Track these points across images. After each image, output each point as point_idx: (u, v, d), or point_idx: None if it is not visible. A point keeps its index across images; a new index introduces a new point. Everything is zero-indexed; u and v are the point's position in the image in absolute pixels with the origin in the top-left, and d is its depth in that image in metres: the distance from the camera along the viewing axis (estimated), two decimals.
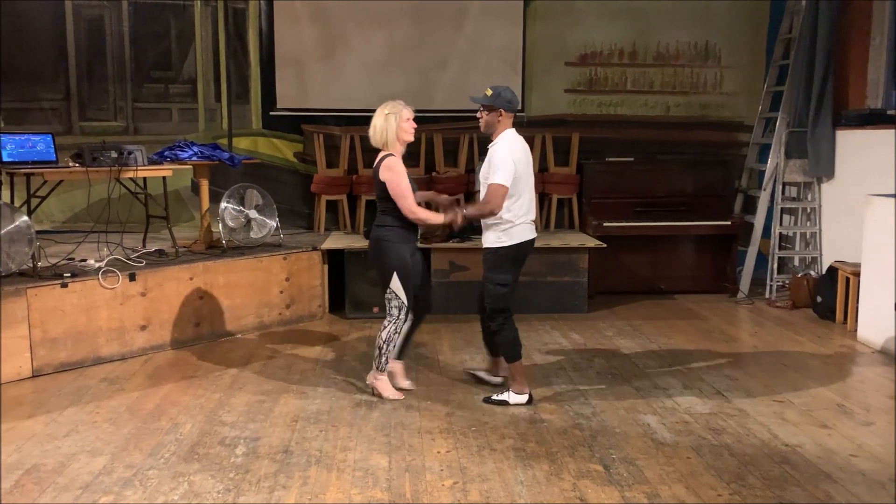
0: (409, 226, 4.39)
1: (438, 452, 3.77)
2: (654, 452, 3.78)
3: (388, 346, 4.43)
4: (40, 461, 3.68)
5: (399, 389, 4.56)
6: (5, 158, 5.36)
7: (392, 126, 4.29)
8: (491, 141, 4.34)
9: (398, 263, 4.34)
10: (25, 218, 5.14)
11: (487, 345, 4.72)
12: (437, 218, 4.39)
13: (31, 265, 5.15)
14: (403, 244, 4.37)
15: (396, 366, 4.62)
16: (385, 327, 4.42)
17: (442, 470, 3.58)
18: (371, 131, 4.36)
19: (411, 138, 4.39)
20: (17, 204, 5.43)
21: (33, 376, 4.90)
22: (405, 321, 4.46)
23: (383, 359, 4.45)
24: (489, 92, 4.30)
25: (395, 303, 4.39)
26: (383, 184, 4.29)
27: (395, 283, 4.36)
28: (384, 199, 4.35)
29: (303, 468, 3.60)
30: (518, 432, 4.02)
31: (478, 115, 4.38)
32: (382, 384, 4.51)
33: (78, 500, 3.30)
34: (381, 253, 4.39)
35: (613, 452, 3.78)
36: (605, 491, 3.38)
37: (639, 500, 3.30)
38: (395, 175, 4.27)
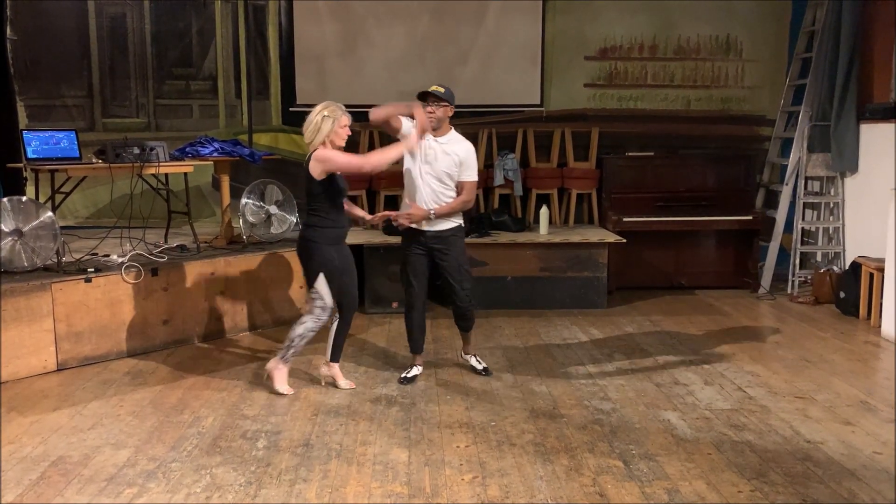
0: (337, 226, 4.40)
1: (458, 447, 3.78)
2: (675, 448, 3.76)
3: (301, 340, 4.48)
4: (66, 453, 3.73)
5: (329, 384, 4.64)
6: (30, 155, 5.44)
7: (326, 129, 4.27)
8: (434, 135, 4.51)
9: (324, 265, 4.37)
10: (50, 213, 5.21)
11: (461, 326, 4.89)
12: (397, 150, 4.38)
13: (55, 260, 5.22)
14: (329, 245, 4.38)
15: (335, 368, 4.63)
16: (303, 323, 4.46)
17: (461, 464, 3.59)
18: (305, 126, 4.35)
19: (343, 143, 4.36)
20: (41, 200, 5.50)
21: (58, 370, 4.97)
22: (326, 320, 4.48)
23: (290, 352, 4.50)
24: (441, 88, 4.47)
25: (318, 303, 4.42)
26: (311, 180, 4.29)
27: (321, 284, 4.39)
28: (311, 197, 4.35)
29: (323, 462, 3.62)
30: (537, 427, 4.02)
31: (430, 109, 4.45)
32: (279, 374, 4.54)
33: (103, 491, 3.35)
34: (306, 253, 4.42)
35: (633, 448, 3.77)
36: (626, 486, 3.37)
37: (659, 496, 3.29)
38: (329, 158, 4.24)
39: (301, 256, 4.48)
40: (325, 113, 4.30)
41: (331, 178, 4.31)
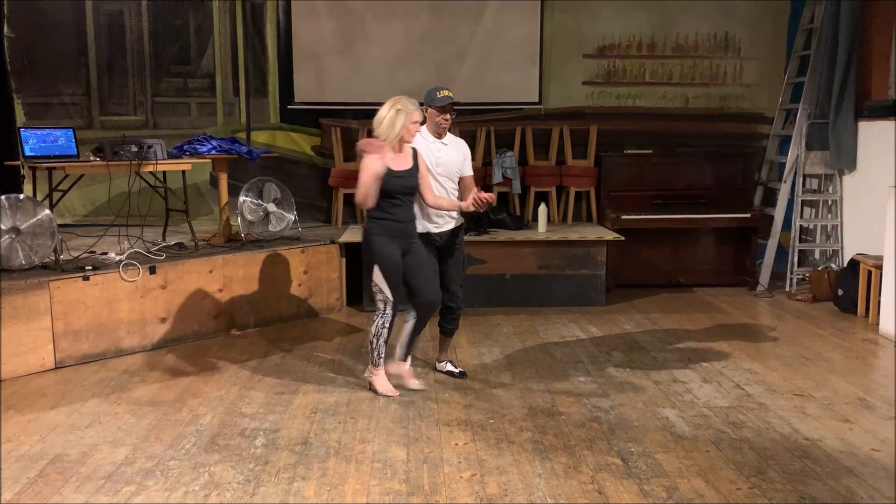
0: (396, 220, 4.29)
1: (456, 445, 3.78)
2: (673, 446, 3.77)
3: (377, 339, 4.39)
4: (63, 451, 3.73)
5: (397, 386, 4.50)
6: (28, 153, 5.43)
7: (400, 123, 4.19)
8: (438, 137, 4.53)
9: (377, 257, 4.29)
10: (48, 211, 5.20)
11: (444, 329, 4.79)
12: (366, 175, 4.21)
13: (53, 258, 5.21)
14: (387, 237, 4.28)
15: (403, 368, 4.53)
16: (373, 322, 4.40)
17: (460, 462, 3.59)
18: (376, 121, 4.26)
19: (411, 140, 4.31)
20: (39, 198, 5.50)
21: (56, 368, 4.97)
22: (393, 316, 4.39)
23: (375, 353, 4.42)
24: (451, 94, 4.49)
25: (379, 296, 4.35)
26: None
27: (377, 276, 4.31)
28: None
29: (321, 459, 3.62)
30: (536, 425, 4.02)
31: (448, 117, 4.47)
32: (377, 379, 4.47)
33: (100, 490, 3.34)
34: (363, 246, 4.39)
35: (632, 446, 3.77)
36: (624, 484, 3.37)
37: (657, 493, 3.29)
38: (363, 166, 4.18)
39: (362, 248, 4.44)
40: (399, 107, 4.20)
41: (384, 176, 4.19)
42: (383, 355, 4.45)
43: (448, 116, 4.48)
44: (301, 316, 6.19)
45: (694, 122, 7.72)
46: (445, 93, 4.47)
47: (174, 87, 7.58)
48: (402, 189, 4.26)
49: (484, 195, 4.34)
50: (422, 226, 4.49)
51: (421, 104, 4.43)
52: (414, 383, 4.52)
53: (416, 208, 4.46)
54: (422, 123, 4.37)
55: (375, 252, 4.29)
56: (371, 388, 4.51)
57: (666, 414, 4.17)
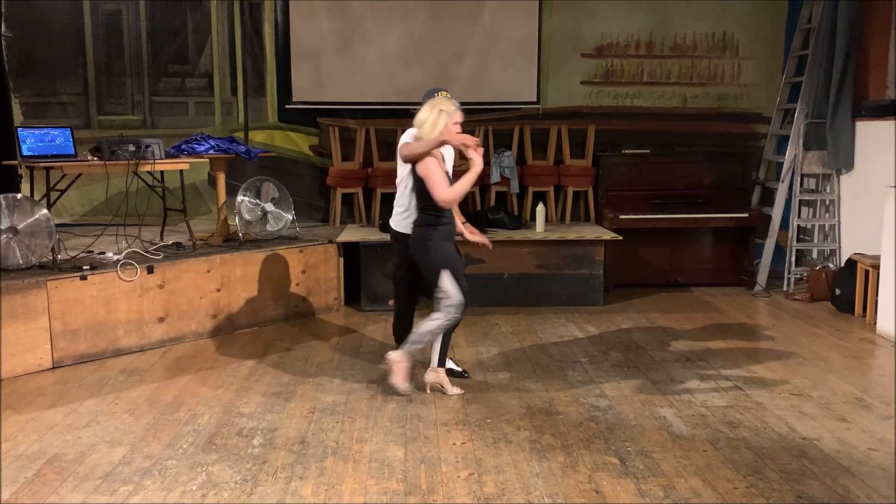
0: (450, 222, 4.32)
1: (454, 444, 3.78)
2: (671, 445, 3.77)
3: (429, 336, 4.33)
4: (61, 451, 3.72)
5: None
6: (25, 152, 5.43)
7: (441, 124, 4.19)
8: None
9: (446, 260, 4.26)
10: (45, 211, 5.20)
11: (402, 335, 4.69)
12: (470, 178, 4.20)
13: (50, 258, 5.21)
14: (448, 241, 4.29)
15: (441, 374, 4.48)
16: (434, 319, 4.31)
17: (458, 462, 3.59)
18: (417, 122, 4.26)
19: (455, 142, 4.27)
20: (36, 197, 5.49)
21: (53, 367, 4.96)
22: (460, 317, 4.36)
23: (415, 346, 4.38)
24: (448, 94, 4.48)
25: (446, 301, 4.29)
26: (422, 179, 4.21)
27: (445, 281, 4.26)
28: (422, 196, 4.27)
29: (319, 459, 3.62)
30: (533, 424, 4.02)
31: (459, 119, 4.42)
32: (399, 367, 4.42)
33: (98, 489, 3.34)
34: (425, 252, 4.30)
35: (629, 445, 3.77)
36: (621, 483, 3.38)
37: (654, 492, 3.30)
38: (429, 167, 4.18)
39: (418, 255, 4.35)
40: (441, 107, 4.21)
41: None
42: (418, 351, 4.45)
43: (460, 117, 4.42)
44: (299, 316, 6.19)
45: (692, 121, 7.72)
46: (445, 94, 4.46)
47: (172, 87, 7.57)
48: None
49: (478, 238, 4.59)
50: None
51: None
52: (454, 390, 4.49)
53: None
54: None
55: (445, 258, 4.26)
56: (433, 389, 4.46)
57: (663, 413, 4.18)
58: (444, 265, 4.26)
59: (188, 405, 4.32)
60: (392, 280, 4.70)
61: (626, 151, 7.45)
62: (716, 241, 7.31)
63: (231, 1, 7.46)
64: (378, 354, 5.20)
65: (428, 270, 4.34)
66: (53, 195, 5.56)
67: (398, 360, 4.41)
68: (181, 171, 6.10)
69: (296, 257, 6.15)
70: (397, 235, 4.61)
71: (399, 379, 4.42)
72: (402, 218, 4.54)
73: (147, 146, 5.61)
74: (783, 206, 7.26)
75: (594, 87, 7.69)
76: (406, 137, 4.43)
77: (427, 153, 4.17)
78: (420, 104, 4.39)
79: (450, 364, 4.76)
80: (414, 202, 4.41)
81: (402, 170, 4.51)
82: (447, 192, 4.17)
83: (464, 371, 4.79)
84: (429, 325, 4.33)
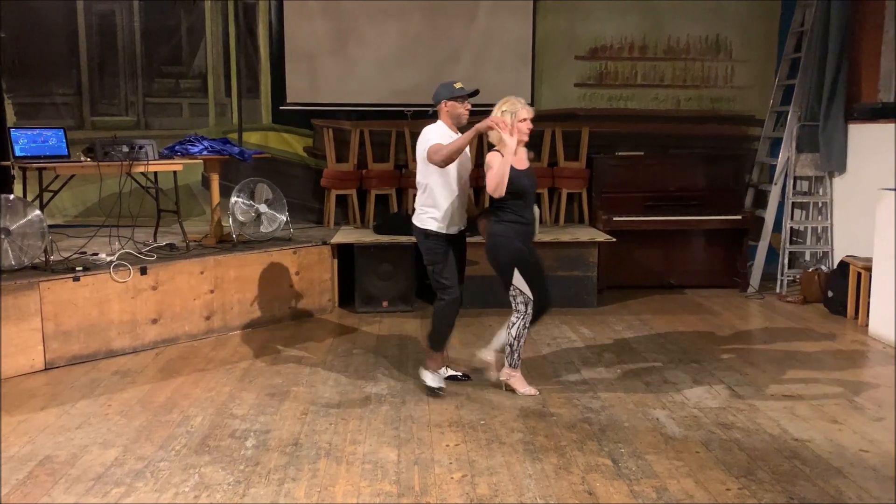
0: (523, 221, 4.30)
1: (447, 446, 3.79)
2: (663, 447, 3.78)
3: (518, 341, 4.42)
4: (53, 453, 3.71)
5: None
6: (18, 153, 5.41)
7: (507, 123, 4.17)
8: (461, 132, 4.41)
9: (516, 258, 4.28)
10: (38, 212, 5.18)
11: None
12: (466, 139, 4.14)
13: (43, 259, 5.19)
14: (518, 239, 4.29)
15: (516, 375, 4.51)
16: (514, 324, 4.39)
17: (451, 463, 3.59)
18: (492, 137, 4.26)
19: (525, 139, 4.27)
20: (29, 198, 5.47)
21: (46, 369, 4.95)
22: (532, 316, 4.39)
23: (515, 356, 4.44)
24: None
25: (519, 299, 4.35)
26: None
27: (517, 279, 4.30)
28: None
29: (312, 461, 3.62)
30: (527, 426, 4.02)
31: (469, 106, 4.38)
32: (516, 381, 4.49)
33: (90, 491, 3.33)
34: (496, 250, 4.33)
35: (622, 446, 3.78)
36: (614, 485, 3.38)
37: (647, 494, 3.30)
38: (489, 165, 4.16)
39: (491, 255, 4.37)
40: (504, 108, 4.20)
41: (511, 176, 4.16)
42: (520, 358, 4.49)
43: (469, 106, 4.40)
44: (292, 317, 6.18)
45: (685, 124, 7.75)
46: (460, 85, 4.40)
47: (166, 88, 7.56)
48: (531, 187, 4.33)
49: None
50: (455, 227, 4.44)
51: (431, 106, 4.42)
52: (528, 390, 4.50)
53: (448, 204, 4.38)
54: (437, 117, 4.36)
55: (512, 254, 4.29)
56: (508, 388, 4.50)
57: (656, 415, 4.18)
58: (515, 263, 4.29)
59: (181, 407, 4.31)
60: (434, 279, 4.57)
61: (620, 153, 7.46)
62: (709, 244, 7.33)
63: (225, 1, 7.46)
64: (372, 355, 5.21)
65: (499, 269, 4.36)
66: (46, 196, 5.55)
67: (507, 376, 4.50)
68: (175, 173, 6.09)
69: (290, 259, 6.15)
70: (426, 233, 4.46)
71: (520, 388, 4.47)
72: (427, 215, 4.45)
73: (140, 147, 5.60)
74: (776, 209, 7.29)
75: (588, 90, 7.71)
76: (432, 136, 4.29)
77: (459, 150, 4.15)
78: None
79: (450, 371, 4.76)
80: (431, 200, 4.37)
81: (426, 169, 4.36)
82: (493, 182, 4.14)
83: (464, 374, 4.78)
84: (512, 332, 4.41)
